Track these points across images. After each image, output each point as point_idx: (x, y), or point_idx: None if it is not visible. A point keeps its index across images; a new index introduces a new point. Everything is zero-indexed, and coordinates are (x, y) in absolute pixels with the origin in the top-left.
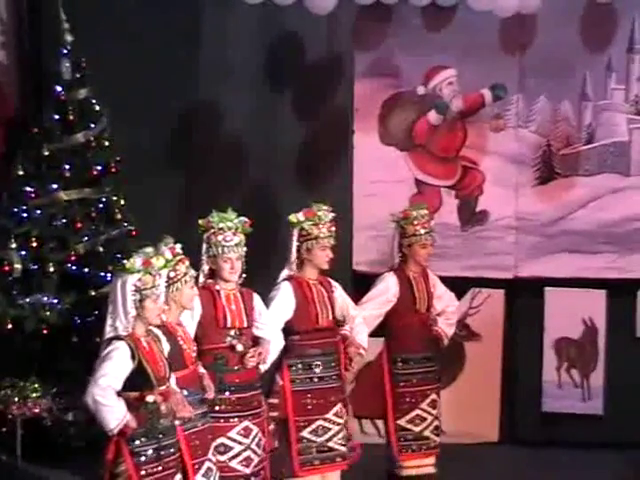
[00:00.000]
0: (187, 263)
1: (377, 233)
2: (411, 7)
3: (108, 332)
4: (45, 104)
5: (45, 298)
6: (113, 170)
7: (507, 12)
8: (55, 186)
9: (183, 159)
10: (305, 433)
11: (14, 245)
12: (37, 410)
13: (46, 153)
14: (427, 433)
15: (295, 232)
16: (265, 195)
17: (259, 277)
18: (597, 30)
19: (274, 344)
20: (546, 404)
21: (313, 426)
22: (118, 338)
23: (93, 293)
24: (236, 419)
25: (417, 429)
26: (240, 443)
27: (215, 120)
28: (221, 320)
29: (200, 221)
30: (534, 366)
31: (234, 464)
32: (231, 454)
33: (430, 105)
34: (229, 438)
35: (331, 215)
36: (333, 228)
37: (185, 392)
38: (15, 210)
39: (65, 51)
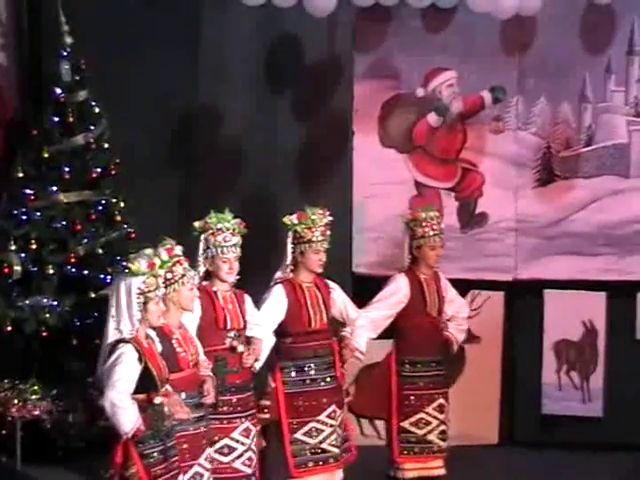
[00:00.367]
0: (185, 265)
1: (377, 235)
2: (411, 9)
3: (112, 335)
4: (45, 106)
5: (45, 300)
6: (113, 172)
7: (507, 14)
8: (55, 188)
9: (183, 161)
10: (298, 435)
11: (14, 247)
12: (37, 412)
13: (46, 155)
14: (431, 437)
15: (290, 235)
16: (265, 197)
17: (259, 278)
18: (596, 32)
19: (265, 343)
20: (546, 406)
21: (306, 428)
22: (124, 341)
23: (93, 295)
24: (237, 420)
25: (420, 432)
26: (242, 444)
27: (215, 122)
28: (221, 321)
29: (196, 223)
30: (534, 368)
31: (238, 465)
32: (235, 455)
33: (430, 107)
34: (232, 439)
35: (326, 219)
36: (328, 232)
37: (183, 395)
38: (15, 212)
39: (65, 53)
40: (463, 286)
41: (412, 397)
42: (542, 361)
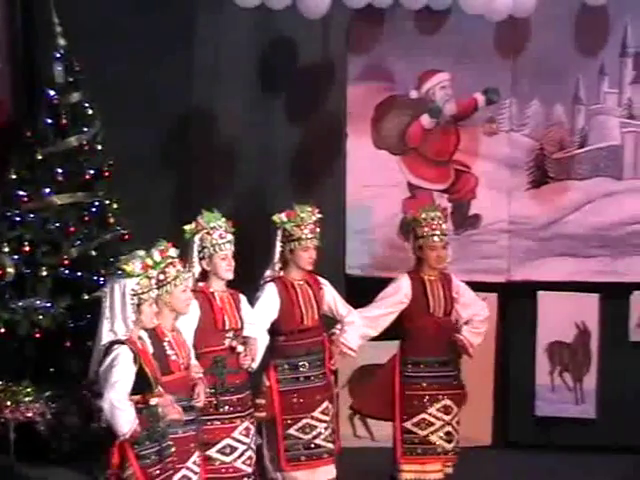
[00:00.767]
0: (179, 266)
1: (370, 237)
2: (404, 11)
3: (106, 337)
4: (38, 108)
5: (38, 302)
6: (106, 174)
7: (500, 16)
8: (48, 190)
9: (177, 163)
10: (292, 431)
11: (7, 249)
12: (30, 414)
13: (39, 157)
14: (434, 438)
15: (279, 233)
16: (259, 198)
17: (251, 279)
18: (590, 34)
19: (260, 342)
20: (539, 408)
21: (300, 424)
22: (119, 342)
23: (86, 297)
24: (238, 420)
25: (423, 433)
26: (243, 443)
27: (209, 123)
28: (220, 322)
29: (186, 227)
30: (527, 370)
31: (239, 464)
32: (236, 454)
33: (423, 109)
34: (234, 439)
35: (315, 216)
36: (317, 229)
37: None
38: (8, 214)
39: (58, 55)
40: None
41: (415, 398)
42: (535, 363)
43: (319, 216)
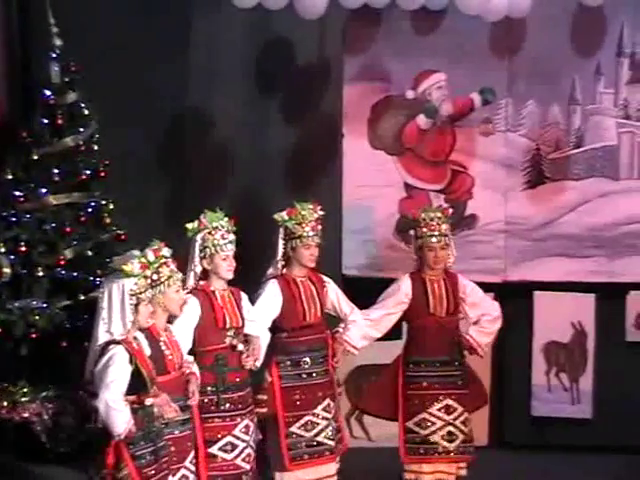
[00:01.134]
0: (172, 266)
1: (367, 237)
2: (400, 11)
3: (102, 337)
4: (34, 108)
5: (34, 302)
6: (102, 174)
7: (496, 16)
8: (44, 190)
9: (173, 163)
10: (294, 428)
11: (3, 250)
12: (27, 414)
13: (35, 157)
14: (435, 438)
15: (281, 231)
16: (255, 199)
17: (249, 279)
18: (586, 34)
19: (262, 340)
20: (535, 408)
21: (302, 421)
22: (115, 342)
23: (82, 297)
24: (238, 417)
25: (424, 432)
26: (243, 440)
27: (205, 124)
28: (220, 321)
29: (189, 225)
30: (523, 370)
31: (239, 462)
32: (236, 452)
33: (419, 109)
34: (234, 436)
35: (317, 214)
36: (319, 227)
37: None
38: (4, 214)
39: (54, 55)
40: None
41: (416, 397)
42: (531, 363)
43: (321, 213)
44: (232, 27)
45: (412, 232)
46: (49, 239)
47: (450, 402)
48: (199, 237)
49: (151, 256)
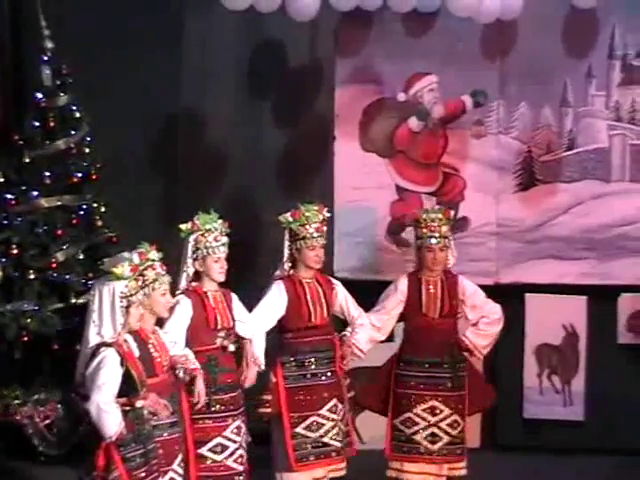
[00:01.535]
0: (158, 269)
1: (358, 239)
2: (392, 13)
3: (93, 340)
4: (26, 111)
5: (26, 305)
6: (94, 177)
7: (488, 18)
8: (36, 193)
9: (165, 165)
10: (299, 429)
11: None
12: (19, 417)
13: (27, 160)
14: (418, 438)
15: (286, 232)
16: (247, 201)
17: (242, 281)
18: (577, 37)
19: (256, 342)
20: (527, 410)
21: (307, 422)
22: (106, 345)
23: (74, 300)
24: (230, 418)
25: (408, 432)
26: (234, 441)
27: (197, 126)
28: (212, 321)
29: (182, 226)
30: (515, 372)
31: (230, 462)
32: (227, 453)
33: (411, 111)
34: (225, 437)
35: (322, 215)
36: (324, 228)
37: None
38: None
39: (46, 58)
40: None
41: (404, 396)
42: (523, 365)
43: (327, 215)
44: (224, 29)
45: (413, 232)
46: (41, 242)
47: (436, 404)
48: (192, 239)
49: (136, 259)
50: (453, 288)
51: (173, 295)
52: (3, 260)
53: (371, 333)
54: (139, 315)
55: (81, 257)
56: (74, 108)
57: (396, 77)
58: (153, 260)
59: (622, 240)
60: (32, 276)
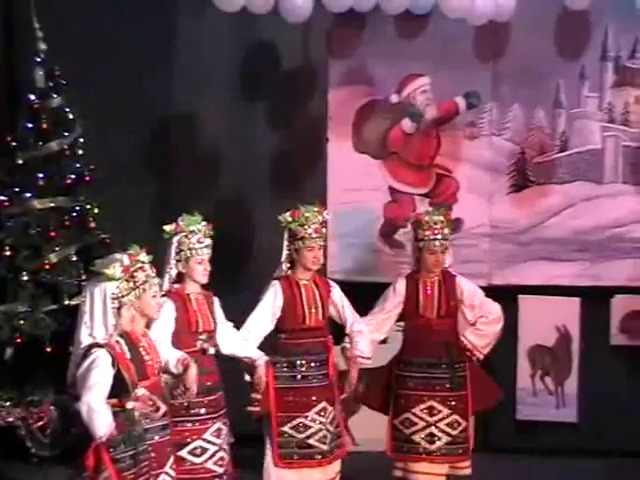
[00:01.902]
0: (149, 271)
1: (351, 241)
2: (385, 15)
3: (85, 341)
4: (19, 112)
5: (19, 307)
6: (87, 179)
7: (481, 20)
8: (29, 195)
9: (158, 168)
10: (286, 428)
11: None
12: (11, 419)
13: (20, 161)
14: (416, 438)
15: (285, 233)
16: (241, 203)
17: (234, 282)
18: (570, 38)
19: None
20: (520, 411)
21: (294, 422)
22: (97, 346)
23: (67, 302)
24: (210, 421)
25: (407, 431)
26: (214, 444)
27: (190, 129)
28: (193, 324)
29: (166, 227)
30: (508, 374)
31: (210, 465)
32: (207, 455)
33: (404, 113)
34: (204, 440)
35: (322, 217)
36: (324, 230)
37: None
38: None
39: (39, 59)
40: None
41: (402, 396)
42: (516, 367)
43: (327, 217)
44: (217, 31)
45: (410, 233)
46: (34, 243)
47: (434, 404)
48: (175, 240)
49: (126, 260)
50: (451, 288)
51: None
52: None
53: (371, 336)
54: (131, 316)
55: (74, 259)
56: (67, 110)
57: (389, 79)
58: (143, 262)
59: (615, 242)
60: (25, 278)
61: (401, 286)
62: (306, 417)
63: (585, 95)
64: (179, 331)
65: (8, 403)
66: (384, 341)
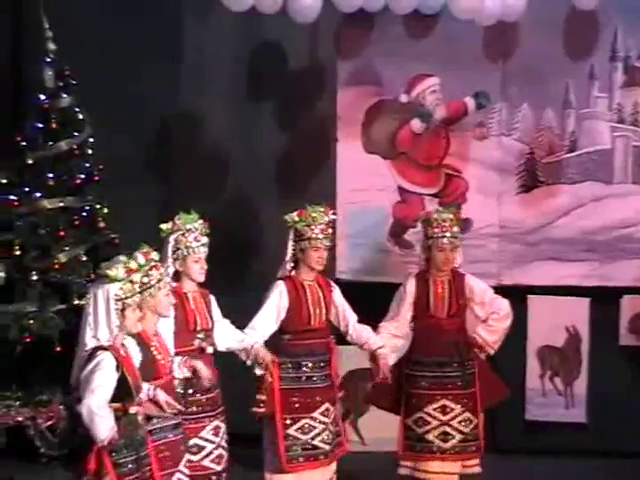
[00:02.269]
0: (162, 269)
1: (360, 241)
2: (394, 15)
3: (89, 343)
4: (28, 112)
5: (28, 307)
6: (96, 178)
7: (490, 20)
8: (38, 194)
9: (165, 167)
10: (291, 431)
11: None
12: (20, 418)
13: (29, 161)
14: (430, 437)
15: (290, 232)
16: (247, 204)
17: (240, 282)
18: (580, 38)
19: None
20: (529, 412)
21: (299, 424)
22: (102, 348)
23: (76, 302)
24: (207, 419)
25: (420, 430)
26: (212, 442)
27: (197, 129)
28: (191, 323)
29: (163, 225)
30: (517, 374)
31: (207, 463)
32: (204, 453)
33: (413, 113)
34: (201, 438)
35: (329, 217)
36: (330, 230)
37: None
38: None
39: (48, 59)
40: None
41: (414, 396)
42: (526, 367)
43: (333, 217)
44: (225, 30)
45: (420, 232)
46: (43, 243)
47: (447, 402)
48: (172, 238)
49: (141, 259)
50: (460, 287)
51: None
52: (5, 261)
53: (393, 342)
54: (137, 318)
55: (83, 258)
56: (77, 110)
57: (398, 79)
58: (155, 260)
59: (624, 242)
60: (34, 277)
61: (411, 286)
62: (311, 418)
63: (594, 95)
64: (177, 330)
65: (17, 403)
66: None
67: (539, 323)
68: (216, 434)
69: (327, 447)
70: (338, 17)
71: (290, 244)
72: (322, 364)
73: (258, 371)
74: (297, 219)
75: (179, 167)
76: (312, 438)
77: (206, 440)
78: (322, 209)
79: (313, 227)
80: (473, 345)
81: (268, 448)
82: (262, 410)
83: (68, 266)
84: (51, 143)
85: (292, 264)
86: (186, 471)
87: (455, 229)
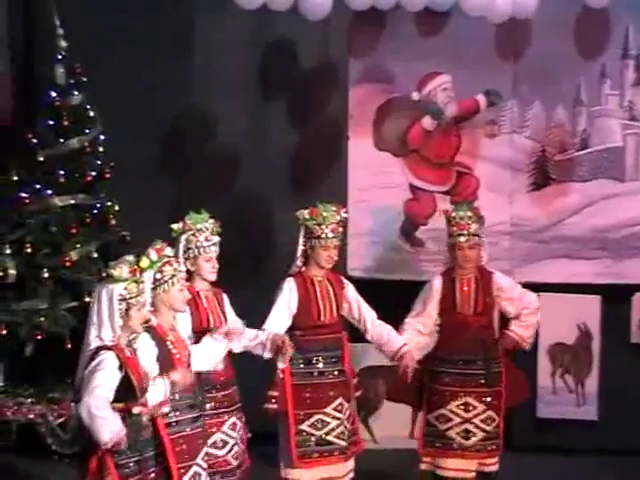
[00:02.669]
0: (175, 265)
1: (372, 239)
2: (405, 13)
3: (93, 343)
4: (39, 110)
5: (39, 304)
6: (107, 176)
7: (501, 18)
8: (49, 192)
9: (176, 165)
10: (304, 426)
11: (8, 251)
12: (32, 416)
13: (40, 159)
14: (451, 434)
15: (301, 229)
16: (260, 202)
17: (252, 282)
18: (591, 36)
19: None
20: (540, 410)
21: (312, 419)
22: (105, 348)
23: (87, 299)
24: (225, 415)
25: (442, 427)
26: (232, 437)
27: (209, 126)
28: (205, 321)
29: (174, 225)
30: (528, 372)
31: (230, 458)
32: (227, 448)
33: (424, 111)
34: (224, 433)
35: (340, 216)
36: (340, 229)
37: (176, 396)
38: (9, 216)
39: (59, 57)
40: None
41: (437, 392)
42: (537, 365)
43: (345, 216)
44: (236, 28)
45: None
46: (54, 240)
47: (470, 400)
48: (183, 238)
49: (154, 255)
50: (487, 285)
51: None
52: (17, 259)
53: (418, 339)
54: (143, 318)
55: (95, 256)
56: (88, 107)
57: (409, 76)
58: (169, 256)
59: (636, 240)
60: (45, 275)
61: (438, 284)
62: (324, 413)
63: (606, 93)
64: (191, 328)
65: (29, 400)
66: None
67: (550, 321)
68: (234, 429)
69: (343, 443)
70: (349, 15)
71: (300, 241)
72: (334, 359)
73: (280, 364)
74: (308, 217)
75: (191, 164)
76: (326, 434)
77: (227, 435)
78: (334, 208)
79: (324, 226)
80: (504, 343)
81: (283, 444)
82: (274, 406)
83: (79, 264)
84: (62, 141)
85: (302, 260)
86: (204, 464)
87: (474, 227)
